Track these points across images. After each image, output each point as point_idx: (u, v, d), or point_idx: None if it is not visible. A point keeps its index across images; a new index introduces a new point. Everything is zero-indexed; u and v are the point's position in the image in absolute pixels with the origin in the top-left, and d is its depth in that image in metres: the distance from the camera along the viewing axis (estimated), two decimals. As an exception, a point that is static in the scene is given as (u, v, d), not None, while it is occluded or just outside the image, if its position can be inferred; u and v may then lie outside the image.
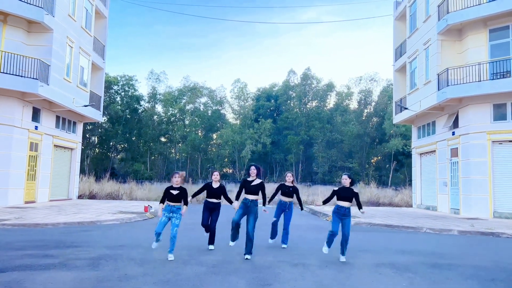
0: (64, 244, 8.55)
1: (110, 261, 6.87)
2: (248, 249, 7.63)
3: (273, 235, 9.09)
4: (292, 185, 9.09)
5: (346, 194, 7.69)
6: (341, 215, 7.65)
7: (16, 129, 17.95)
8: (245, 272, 6.39)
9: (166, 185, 34.01)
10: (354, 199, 7.75)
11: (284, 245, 8.97)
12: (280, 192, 9.11)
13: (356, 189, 7.88)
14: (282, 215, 9.16)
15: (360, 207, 7.78)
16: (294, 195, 9.13)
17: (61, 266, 6.41)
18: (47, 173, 20.80)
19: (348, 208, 7.68)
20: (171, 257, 7.31)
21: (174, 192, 7.46)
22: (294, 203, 9.29)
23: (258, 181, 7.91)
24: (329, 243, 7.72)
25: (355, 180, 8.06)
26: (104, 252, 7.71)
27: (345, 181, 7.76)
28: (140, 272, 6.20)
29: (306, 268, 6.74)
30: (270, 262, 7.21)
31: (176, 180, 7.50)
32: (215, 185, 8.64)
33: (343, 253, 7.61)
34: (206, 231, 8.79)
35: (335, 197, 7.92)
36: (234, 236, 8.04)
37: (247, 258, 7.52)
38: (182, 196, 7.48)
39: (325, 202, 8.16)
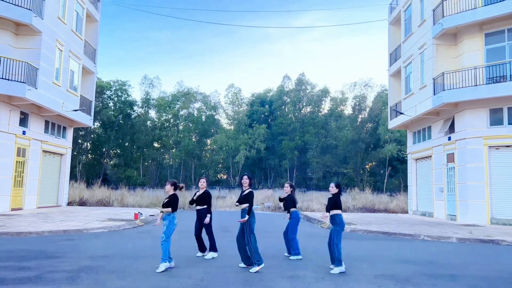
0: (44, 254, 8.07)
1: (91, 274, 6.41)
2: (250, 261, 7.22)
3: (287, 249, 8.71)
4: (286, 195, 8.89)
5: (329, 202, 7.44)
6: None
7: (2, 134, 17.41)
8: (235, 285, 5.97)
9: (159, 191, 33.63)
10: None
11: (292, 257, 8.49)
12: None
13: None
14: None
15: (327, 210, 7.41)
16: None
17: (36, 280, 5.94)
18: (35, 179, 20.24)
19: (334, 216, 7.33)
20: (162, 267, 6.84)
21: (165, 200, 7.37)
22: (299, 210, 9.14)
23: (247, 190, 7.57)
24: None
25: (341, 188, 7.76)
26: (86, 263, 7.25)
27: (331, 189, 7.49)
28: (121, 286, 5.75)
29: (301, 281, 6.33)
30: (261, 274, 6.79)
31: (168, 188, 7.41)
32: (199, 192, 8.56)
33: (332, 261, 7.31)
34: (200, 249, 8.61)
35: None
36: (243, 257, 7.43)
37: (251, 271, 7.06)
38: (168, 203, 7.29)
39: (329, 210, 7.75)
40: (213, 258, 8.25)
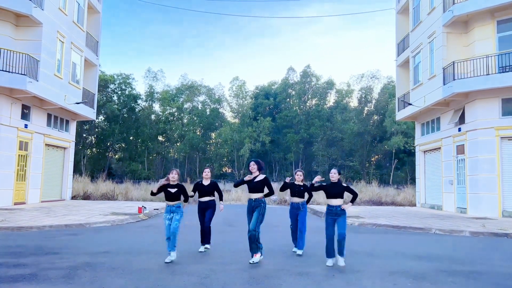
0: (42, 250, 7.76)
1: (89, 271, 6.08)
2: (253, 251, 6.95)
3: (294, 242, 8.11)
4: (303, 184, 8.22)
5: (337, 190, 6.87)
6: (334, 214, 6.85)
7: (3, 127, 17.16)
8: (241, 284, 5.62)
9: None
10: (348, 193, 6.97)
11: (299, 251, 7.89)
12: (290, 192, 8.14)
13: (357, 187, 7.17)
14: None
15: (352, 201, 6.96)
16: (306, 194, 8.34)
17: (31, 278, 5.63)
18: (38, 173, 20.01)
19: (340, 206, 6.87)
20: (173, 255, 6.91)
21: (172, 190, 7.07)
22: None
23: (261, 176, 7.12)
24: (330, 252, 6.85)
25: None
26: (85, 260, 6.93)
27: (334, 175, 6.94)
28: (120, 284, 5.42)
29: (311, 278, 5.97)
30: (269, 271, 6.43)
31: (173, 177, 7.12)
32: (206, 182, 8.17)
33: (341, 254, 6.77)
34: (202, 242, 8.28)
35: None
36: (254, 249, 7.00)
37: (252, 262, 6.85)
38: (180, 194, 7.17)
39: (314, 189, 7.44)
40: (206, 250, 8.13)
